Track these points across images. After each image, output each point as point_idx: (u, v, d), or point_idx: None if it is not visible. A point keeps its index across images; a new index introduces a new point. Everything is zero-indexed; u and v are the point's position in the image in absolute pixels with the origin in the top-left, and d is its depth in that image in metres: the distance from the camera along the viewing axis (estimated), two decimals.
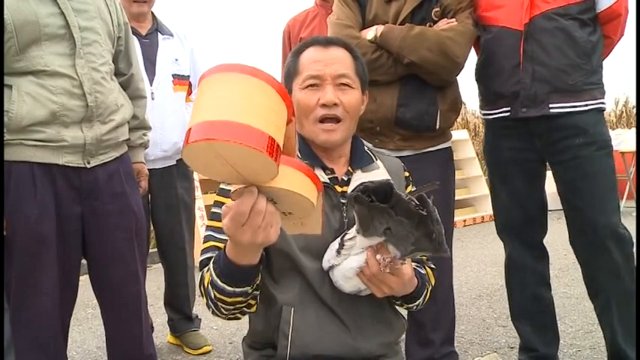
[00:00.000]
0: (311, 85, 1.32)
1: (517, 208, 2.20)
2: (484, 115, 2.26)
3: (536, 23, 2.01)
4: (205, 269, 1.20)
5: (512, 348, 2.74)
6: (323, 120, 1.32)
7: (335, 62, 1.33)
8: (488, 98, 2.21)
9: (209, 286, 1.15)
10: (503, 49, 2.07)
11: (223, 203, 1.14)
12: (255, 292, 1.19)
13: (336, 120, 1.32)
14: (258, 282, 1.17)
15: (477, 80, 2.26)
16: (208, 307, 1.20)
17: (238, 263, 1.05)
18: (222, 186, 1.27)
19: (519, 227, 2.22)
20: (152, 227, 2.85)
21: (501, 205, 2.26)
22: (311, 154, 1.34)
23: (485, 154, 2.33)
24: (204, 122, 0.79)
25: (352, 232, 1.17)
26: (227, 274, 1.10)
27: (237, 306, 1.17)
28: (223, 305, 1.16)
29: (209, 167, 0.85)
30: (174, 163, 2.77)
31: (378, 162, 1.41)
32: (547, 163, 2.18)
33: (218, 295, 1.14)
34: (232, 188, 0.92)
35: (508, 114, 2.11)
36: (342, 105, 1.32)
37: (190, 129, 0.80)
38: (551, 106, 2.02)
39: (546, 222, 2.26)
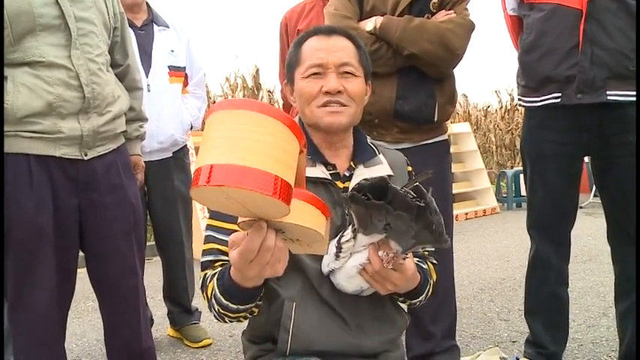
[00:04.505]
0: (314, 74, 1.30)
1: (552, 206, 2.11)
2: (527, 102, 2.11)
3: (598, 2, 1.88)
4: (208, 276, 1.20)
5: (514, 342, 2.73)
6: (326, 105, 1.29)
7: (338, 50, 1.31)
8: (534, 83, 2.05)
9: (212, 298, 1.16)
10: (558, 29, 1.94)
11: None
12: (258, 302, 1.20)
13: (341, 105, 1.30)
14: (261, 294, 1.17)
15: (520, 63, 2.12)
16: (210, 310, 1.21)
17: (243, 286, 1.06)
18: None
19: (550, 225, 2.14)
20: (149, 220, 2.84)
21: (537, 200, 2.15)
22: (313, 149, 1.32)
23: (524, 145, 2.19)
24: (213, 165, 0.78)
25: (348, 233, 1.15)
26: (231, 294, 1.11)
27: (241, 316, 1.20)
28: (227, 315, 1.18)
29: (219, 205, 0.86)
30: (171, 155, 2.76)
31: (381, 156, 1.38)
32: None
33: (222, 311, 1.16)
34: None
35: (558, 100, 1.98)
36: (346, 92, 1.30)
37: (199, 170, 0.79)
38: (608, 93, 1.91)
39: (575, 218, 2.17)
